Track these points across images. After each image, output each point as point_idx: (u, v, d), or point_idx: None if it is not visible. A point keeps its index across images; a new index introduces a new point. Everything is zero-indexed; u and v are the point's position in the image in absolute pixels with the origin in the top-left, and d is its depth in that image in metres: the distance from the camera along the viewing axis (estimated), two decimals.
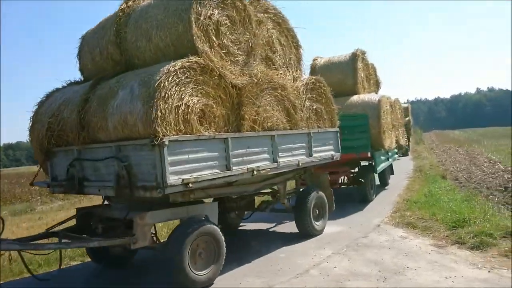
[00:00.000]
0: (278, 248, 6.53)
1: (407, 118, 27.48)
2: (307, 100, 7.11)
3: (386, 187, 12.34)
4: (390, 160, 12.06)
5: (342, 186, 10.88)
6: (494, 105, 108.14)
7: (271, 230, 8.14)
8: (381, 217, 8.30)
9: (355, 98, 10.54)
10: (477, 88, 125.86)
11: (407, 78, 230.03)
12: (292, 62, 7.22)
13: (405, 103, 29.12)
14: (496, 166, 14.12)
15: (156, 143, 4.28)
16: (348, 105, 10.22)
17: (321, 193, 7.47)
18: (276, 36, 6.93)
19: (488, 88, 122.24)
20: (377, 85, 13.68)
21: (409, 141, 26.06)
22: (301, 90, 7.01)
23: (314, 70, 11.19)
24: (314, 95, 7.38)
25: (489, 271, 4.82)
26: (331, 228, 7.71)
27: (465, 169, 14.78)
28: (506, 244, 5.58)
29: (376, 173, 10.35)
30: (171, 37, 5.16)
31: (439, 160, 19.42)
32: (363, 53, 11.71)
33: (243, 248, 6.77)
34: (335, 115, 7.98)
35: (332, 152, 7.83)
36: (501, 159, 16.46)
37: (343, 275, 5.08)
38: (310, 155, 7.02)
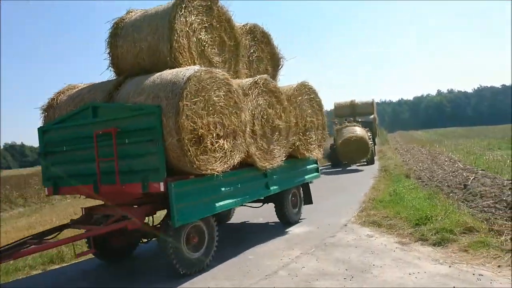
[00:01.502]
0: (246, 249, 6.52)
1: (371, 116, 25.69)
2: None
3: (288, 229, 7.81)
4: (274, 188, 7.19)
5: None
6: (454, 106, 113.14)
7: (240, 231, 8.12)
8: (348, 216, 8.45)
9: (155, 76, 5.59)
10: (438, 90, 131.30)
11: (374, 79, 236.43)
12: None
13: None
14: (456, 165, 14.69)
15: None
16: (140, 89, 5.55)
17: None
18: None
19: (448, 90, 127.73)
20: (273, 62, 8.44)
21: (374, 143, 23.65)
22: None
23: (116, 30, 6.50)
24: None
25: (449, 266, 5.02)
26: (300, 228, 7.82)
27: (428, 168, 15.30)
28: (465, 240, 5.82)
29: (175, 225, 5.08)
30: None
31: (403, 160, 20.02)
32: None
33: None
34: None
35: None
36: (461, 158, 17.18)
37: (311, 275, 5.14)
38: None
